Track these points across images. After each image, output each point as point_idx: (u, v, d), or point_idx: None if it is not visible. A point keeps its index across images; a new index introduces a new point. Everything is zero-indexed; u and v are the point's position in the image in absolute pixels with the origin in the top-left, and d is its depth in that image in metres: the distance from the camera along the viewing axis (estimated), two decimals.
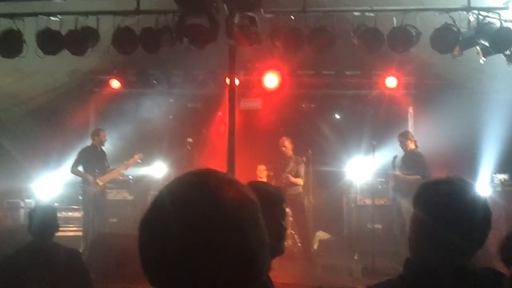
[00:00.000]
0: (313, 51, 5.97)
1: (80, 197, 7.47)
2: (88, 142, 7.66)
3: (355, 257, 6.46)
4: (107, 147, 7.88)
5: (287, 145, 7.87)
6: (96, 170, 7.31)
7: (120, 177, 8.13)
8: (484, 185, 7.21)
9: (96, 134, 7.65)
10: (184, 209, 0.92)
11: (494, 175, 7.24)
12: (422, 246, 1.60)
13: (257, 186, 1.20)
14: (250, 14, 5.55)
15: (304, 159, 7.95)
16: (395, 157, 7.07)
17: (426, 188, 1.68)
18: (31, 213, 3.58)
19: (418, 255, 1.62)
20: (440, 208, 1.56)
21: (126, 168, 7.80)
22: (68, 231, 7.39)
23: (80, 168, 7.39)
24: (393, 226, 7.22)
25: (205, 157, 8.61)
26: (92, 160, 7.38)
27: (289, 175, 7.72)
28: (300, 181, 7.82)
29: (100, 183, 7.32)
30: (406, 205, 6.87)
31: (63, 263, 3.28)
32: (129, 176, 8.51)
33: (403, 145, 7.15)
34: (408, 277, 1.56)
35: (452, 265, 1.51)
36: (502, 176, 7.11)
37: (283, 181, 7.69)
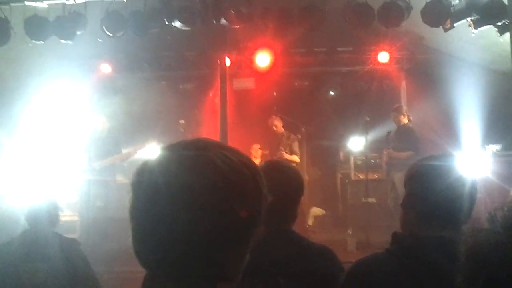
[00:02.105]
0: (305, 29, 5.94)
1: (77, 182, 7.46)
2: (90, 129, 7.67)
3: (349, 232, 6.55)
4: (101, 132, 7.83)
5: (277, 123, 7.90)
6: (99, 156, 7.32)
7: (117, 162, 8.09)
8: (476, 156, 7.29)
9: (96, 120, 7.65)
10: (174, 189, 0.90)
11: (487, 146, 7.31)
12: (412, 221, 1.65)
13: None
14: None
15: (299, 136, 7.95)
16: (389, 133, 7.12)
17: (416, 165, 1.74)
18: (31, 203, 3.36)
19: (407, 229, 1.67)
20: (428, 183, 1.62)
21: (133, 155, 7.60)
22: (64, 216, 7.41)
23: (86, 154, 7.41)
24: (387, 200, 7.31)
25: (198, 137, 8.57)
26: (95, 146, 7.40)
27: (283, 152, 7.70)
28: (295, 158, 7.82)
29: (97, 167, 7.31)
30: (400, 179, 6.94)
31: (61, 253, 3.12)
32: None
33: (396, 120, 7.19)
34: (394, 251, 1.60)
35: (439, 239, 1.55)
36: (494, 147, 7.18)
37: (278, 158, 7.69)
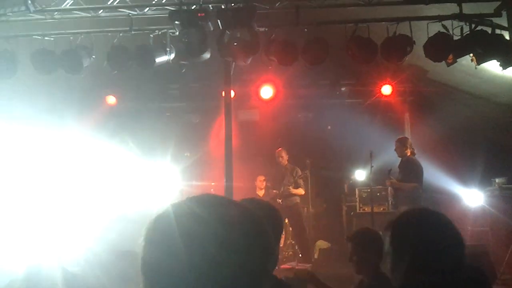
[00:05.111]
0: (308, 63, 5.97)
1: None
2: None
3: None
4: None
5: (284, 155, 7.95)
6: None
7: None
8: (479, 190, 7.25)
9: None
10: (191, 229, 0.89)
11: (492, 179, 7.25)
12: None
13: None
14: (243, 29, 5.58)
15: (307, 172, 7.97)
16: (389, 171, 7.01)
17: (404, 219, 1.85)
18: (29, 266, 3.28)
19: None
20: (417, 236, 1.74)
21: None
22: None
23: None
24: None
25: (203, 170, 8.59)
26: None
27: (290, 187, 7.73)
28: (301, 191, 7.86)
29: None
30: None
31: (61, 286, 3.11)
32: None
33: (399, 151, 7.05)
34: None
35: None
36: (500, 180, 7.12)
37: (284, 193, 7.71)
